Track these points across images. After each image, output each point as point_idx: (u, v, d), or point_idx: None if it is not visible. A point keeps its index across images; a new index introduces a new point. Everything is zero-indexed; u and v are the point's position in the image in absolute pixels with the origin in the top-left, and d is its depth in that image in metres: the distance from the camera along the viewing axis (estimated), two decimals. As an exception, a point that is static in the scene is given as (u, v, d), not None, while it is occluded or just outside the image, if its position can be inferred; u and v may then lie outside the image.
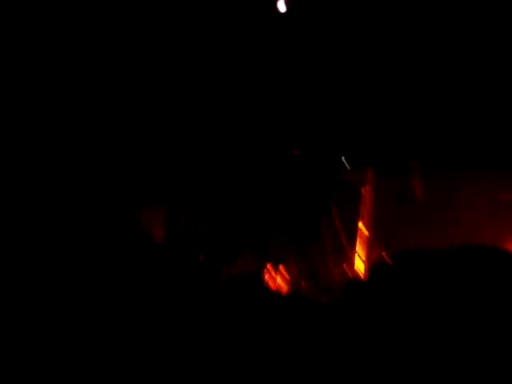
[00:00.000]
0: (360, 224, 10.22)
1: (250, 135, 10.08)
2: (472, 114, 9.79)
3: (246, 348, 6.54)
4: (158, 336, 6.65)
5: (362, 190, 10.23)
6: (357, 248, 10.15)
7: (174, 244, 9.65)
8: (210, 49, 9.93)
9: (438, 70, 9.87)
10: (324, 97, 10.03)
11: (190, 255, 9.45)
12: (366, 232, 10.18)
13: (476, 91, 9.78)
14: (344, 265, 10.08)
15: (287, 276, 9.74)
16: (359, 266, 10.11)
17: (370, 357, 6.29)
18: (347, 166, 10.17)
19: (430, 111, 9.99)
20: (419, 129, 9.90)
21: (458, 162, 9.73)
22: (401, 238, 9.75)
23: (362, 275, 10.01)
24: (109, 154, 9.61)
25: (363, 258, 10.11)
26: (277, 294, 9.12)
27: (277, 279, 9.74)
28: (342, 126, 10.10)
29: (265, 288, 9.13)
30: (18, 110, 9.21)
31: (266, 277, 9.70)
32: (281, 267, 9.81)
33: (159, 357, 6.43)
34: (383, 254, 9.61)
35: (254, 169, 10.02)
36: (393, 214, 10.08)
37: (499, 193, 9.66)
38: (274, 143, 10.09)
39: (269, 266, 9.77)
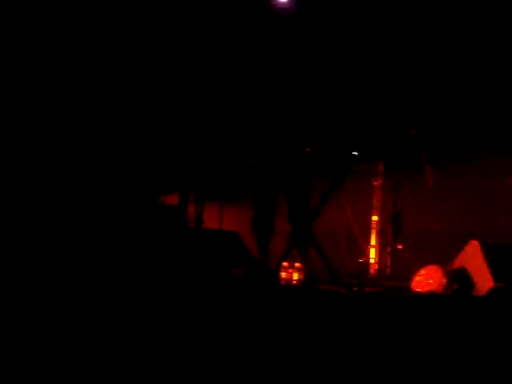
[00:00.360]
0: (374, 217, 10.08)
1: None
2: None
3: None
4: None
5: (374, 182, 10.10)
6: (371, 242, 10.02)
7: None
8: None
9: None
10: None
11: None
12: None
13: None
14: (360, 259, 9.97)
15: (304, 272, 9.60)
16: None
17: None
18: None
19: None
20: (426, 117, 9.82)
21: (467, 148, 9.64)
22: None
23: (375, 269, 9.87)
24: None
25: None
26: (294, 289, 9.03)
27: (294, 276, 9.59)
28: (350, 119, 10.02)
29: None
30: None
31: (283, 275, 9.55)
32: (297, 264, 9.67)
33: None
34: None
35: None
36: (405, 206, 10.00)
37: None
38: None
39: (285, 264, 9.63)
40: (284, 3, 9.60)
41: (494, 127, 9.59)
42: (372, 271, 9.80)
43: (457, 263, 8.50)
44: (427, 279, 8.57)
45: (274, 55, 9.78)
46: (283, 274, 9.39)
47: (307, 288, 9.14)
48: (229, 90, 9.93)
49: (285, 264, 9.48)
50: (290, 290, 8.99)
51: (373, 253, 9.90)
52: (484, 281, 7.98)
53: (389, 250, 9.85)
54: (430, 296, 8.23)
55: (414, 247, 9.67)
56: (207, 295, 7.40)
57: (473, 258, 8.27)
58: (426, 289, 8.57)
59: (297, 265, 9.51)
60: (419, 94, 9.90)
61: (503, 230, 9.35)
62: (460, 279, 8.33)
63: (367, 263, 9.89)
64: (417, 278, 8.72)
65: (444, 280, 8.37)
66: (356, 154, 9.96)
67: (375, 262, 9.84)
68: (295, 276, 9.42)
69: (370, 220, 9.98)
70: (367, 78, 10.05)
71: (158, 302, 6.94)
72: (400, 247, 9.77)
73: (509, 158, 9.54)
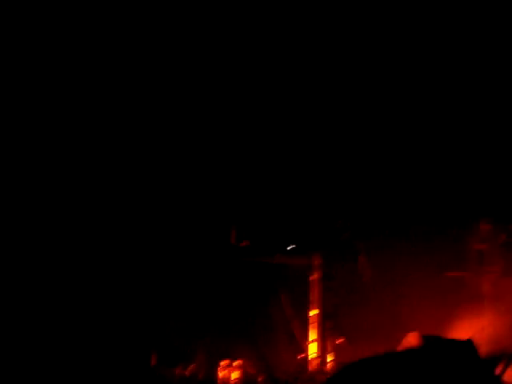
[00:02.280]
0: (312, 312, 9.98)
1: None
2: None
3: None
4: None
5: (310, 276, 10.04)
6: (310, 337, 9.89)
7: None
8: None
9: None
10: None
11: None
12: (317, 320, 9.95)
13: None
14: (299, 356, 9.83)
15: (242, 371, 9.46)
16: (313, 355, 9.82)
17: None
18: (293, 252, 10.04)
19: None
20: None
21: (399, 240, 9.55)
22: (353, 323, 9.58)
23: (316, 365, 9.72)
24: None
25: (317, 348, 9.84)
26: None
27: (232, 376, 9.45)
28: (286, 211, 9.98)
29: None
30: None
31: (221, 375, 9.41)
32: (235, 363, 9.54)
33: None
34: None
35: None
36: (342, 299, 9.89)
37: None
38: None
39: (223, 363, 9.49)
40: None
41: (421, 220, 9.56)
42: (312, 367, 9.65)
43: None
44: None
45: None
46: (220, 374, 9.28)
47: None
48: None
49: (223, 363, 9.38)
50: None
51: (313, 348, 9.77)
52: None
53: (329, 344, 9.72)
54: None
55: (352, 340, 9.55)
56: None
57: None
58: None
59: (235, 363, 9.41)
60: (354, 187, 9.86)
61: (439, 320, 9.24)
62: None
63: (306, 359, 9.74)
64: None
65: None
66: (292, 247, 9.97)
67: (317, 357, 9.69)
68: (233, 375, 9.32)
69: (307, 315, 9.87)
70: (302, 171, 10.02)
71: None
72: (339, 341, 9.67)
73: (434, 251, 9.41)
